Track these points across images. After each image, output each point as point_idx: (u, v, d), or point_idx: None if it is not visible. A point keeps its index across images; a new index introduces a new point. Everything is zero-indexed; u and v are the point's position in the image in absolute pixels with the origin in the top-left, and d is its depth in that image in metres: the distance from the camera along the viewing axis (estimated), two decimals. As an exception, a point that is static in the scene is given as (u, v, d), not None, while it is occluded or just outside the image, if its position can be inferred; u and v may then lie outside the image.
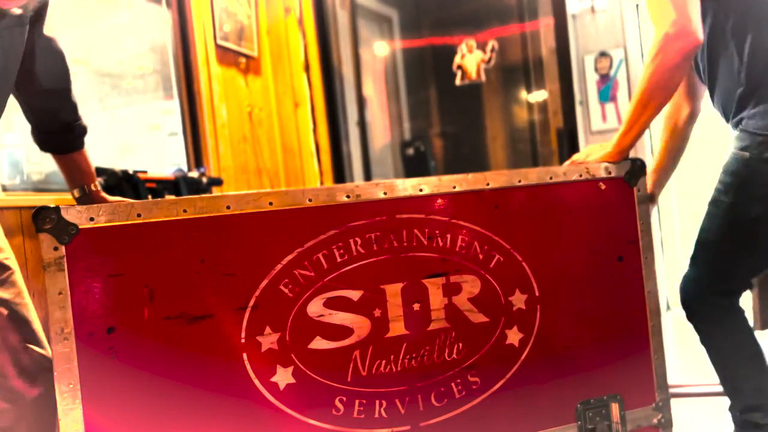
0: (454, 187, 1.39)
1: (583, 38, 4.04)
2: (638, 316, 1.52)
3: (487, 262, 1.40)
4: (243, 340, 1.23)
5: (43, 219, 1.14)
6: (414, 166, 3.98)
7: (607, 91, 4.00)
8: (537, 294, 1.43)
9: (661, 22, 1.40)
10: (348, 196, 1.31)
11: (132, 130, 2.75)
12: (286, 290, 1.27)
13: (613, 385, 1.49)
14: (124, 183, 2.18)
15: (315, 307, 1.28)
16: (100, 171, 2.21)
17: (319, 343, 1.28)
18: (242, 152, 3.09)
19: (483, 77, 3.52)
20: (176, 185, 2.46)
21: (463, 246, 1.38)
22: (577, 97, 4.05)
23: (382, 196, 1.33)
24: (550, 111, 3.55)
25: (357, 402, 1.31)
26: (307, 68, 3.38)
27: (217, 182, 2.74)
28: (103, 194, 1.65)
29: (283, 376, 1.26)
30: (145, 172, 2.32)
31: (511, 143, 3.87)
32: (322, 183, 3.37)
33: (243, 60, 3.16)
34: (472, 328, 1.38)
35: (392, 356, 1.33)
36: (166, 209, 1.21)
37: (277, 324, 1.25)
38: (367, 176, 3.47)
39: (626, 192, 1.50)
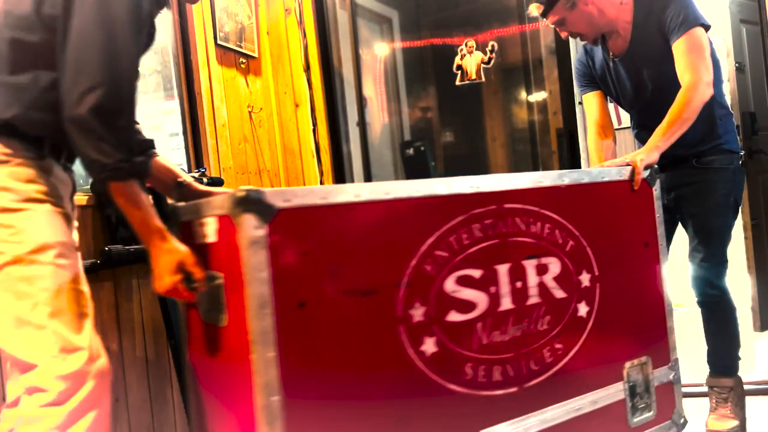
0: (542, 182, 1.63)
1: (583, 39, 4.03)
2: (659, 292, 1.87)
3: (564, 246, 1.66)
4: (399, 313, 1.38)
5: (249, 200, 1.21)
6: (414, 167, 3.98)
7: (606, 91, 3.98)
8: (596, 273, 1.71)
9: (701, 71, 2.02)
10: (471, 187, 1.51)
11: (133, 130, 2.75)
12: (429, 269, 1.43)
13: (644, 349, 1.80)
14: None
15: (449, 284, 1.46)
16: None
17: (453, 316, 1.46)
18: (243, 152, 3.09)
19: (483, 77, 3.52)
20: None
21: (548, 232, 1.63)
22: (577, 98, 4.05)
23: (494, 188, 1.55)
24: (550, 111, 3.55)
25: (481, 367, 1.50)
26: (307, 69, 3.38)
27: (218, 182, 2.74)
28: (200, 187, 1.76)
29: (429, 346, 1.42)
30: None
31: (511, 143, 3.87)
32: (322, 183, 3.37)
33: (243, 60, 3.16)
34: (556, 303, 1.63)
35: (503, 327, 1.53)
36: (345, 193, 1.34)
37: (424, 299, 1.41)
38: (368, 176, 3.47)
39: (648, 190, 1.87)
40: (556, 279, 1.62)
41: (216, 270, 1.35)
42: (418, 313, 1.40)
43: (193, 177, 2.56)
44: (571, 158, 3.20)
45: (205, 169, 2.77)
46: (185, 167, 2.81)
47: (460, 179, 1.50)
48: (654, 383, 1.79)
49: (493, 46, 3.51)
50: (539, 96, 3.66)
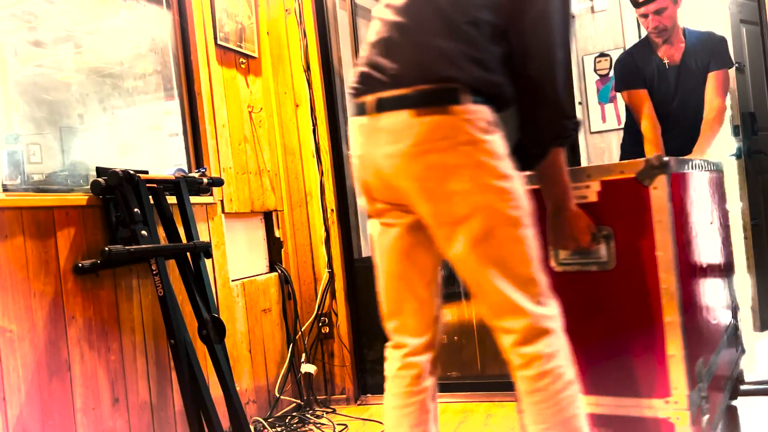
0: (711, 168, 2.24)
1: (583, 39, 4.04)
2: (731, 253, 2.50)
3: (719, 214, 2.29)
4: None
5: (664, 166, 1.61)
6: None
7: (606, 91, 4.00)
8: (727, 236, 2.38)
9: (725, 101, 2.75)
10: (709, 168, 2.15)
11: (133, 130, 2.75)
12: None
13: (732, 297, 2.44)
14: (125, 183, 2.17)
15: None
16: (101, 171, 2.21)
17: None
18: (243, 153, 3.09)
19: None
20: (177, 185, 2.46)
21: (719, 201, 2.31)
22: (577, 98, 4.05)
23: (707, 169, 2.14)
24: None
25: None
26: (307, 69, 3.38)
27: (218, 182, 2.74)
28: None
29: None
30: (146, 172, 2.32)
31: (511, 143, 3.86)
32: (322, 183, 3.37)
33: (243, 60, 3.16)
34: (727, 255, 2.35)
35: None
36: (683, 164, 1.83)
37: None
38: (368, 176, 3.47)
39: (723, 179, 2.46)
40: (722, 237, 2.25)
41: (599, 224, 1.72)
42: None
43: (193, 177, 2.56)
44: (572, 157, 3.19)
45: (206, 169, 2.77)
46: (185, 167, 2.81)
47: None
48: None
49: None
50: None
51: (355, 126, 1.57)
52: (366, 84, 1.53)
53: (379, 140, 1.50)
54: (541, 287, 1.48)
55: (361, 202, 1.65)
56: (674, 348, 1.64)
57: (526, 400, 1.44)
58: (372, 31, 1.57)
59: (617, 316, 1.68)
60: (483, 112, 1.46)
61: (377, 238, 1.63)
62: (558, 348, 1.45)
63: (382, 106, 1.48)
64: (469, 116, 1.44)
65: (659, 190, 1.62)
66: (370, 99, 1.50)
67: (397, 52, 1.49)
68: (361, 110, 1.53)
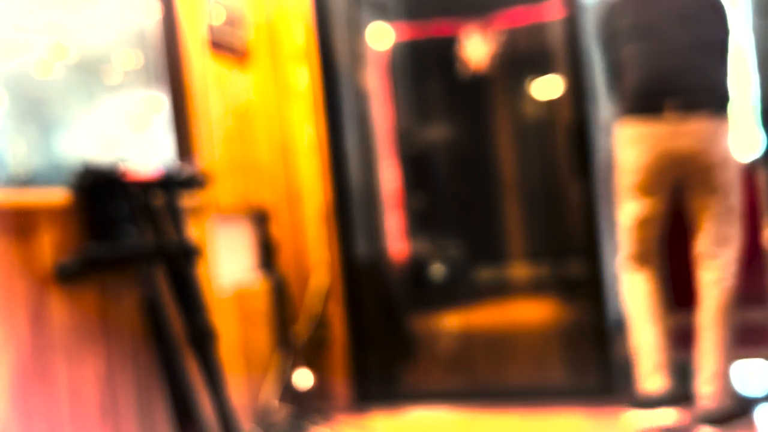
0: None
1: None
2: None
3: None
4: None
5: (763, 162, 2.65)
6: (415, 161, 4.00)
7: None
8: None
9: None
10: None
11: (119, 125, 2.78)
12: None
13: None
14: (110, 181, 2.19)
15: None
16: (86, 168, 2.22)
17: None
18: (234, 148, 3.11)
19: (488, 69, 3.54)
20: (164, 183, 2.47)
21: None
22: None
23: None
24: (559, 104, 3.57)
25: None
26: (303, 59, 3.40)
27: (208, 179, 2.76)
28: None
29: None
30: (132, 169, 2.33)
31: (517, 136, 3.89)
32: (319, 181, 3.38)
33: (236, 51, 3.18)
34: None
35: None
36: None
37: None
38: (367, 172, 3.49)
39: None
40: None
41: None
42: None
43: (182, 174, 2.58)
44: (580, 152, 3.22)
45: (195, 165, 2.79)
46: (173, 163, 2.83)
47: None
48: None
49: (499, 35, 3.53)
50: (548, 88, 3.68)
51: (640, 128, 2.50)
52: (658, 99, 2.47)
53: (681, 136, 2.46)
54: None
55: (632, 182, 2.56)
56: None
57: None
58: (642, 64, 2.53)
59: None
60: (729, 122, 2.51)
61: (643, 209, 2.57)
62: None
63: (688, 112, 2.44)
64: (728, 123, 2.51)
65: (762, 176, 2.72)
66: (668, 110, 2.46)
67: (686, 78, 2.49)
68: (655, 115, 2.47)
